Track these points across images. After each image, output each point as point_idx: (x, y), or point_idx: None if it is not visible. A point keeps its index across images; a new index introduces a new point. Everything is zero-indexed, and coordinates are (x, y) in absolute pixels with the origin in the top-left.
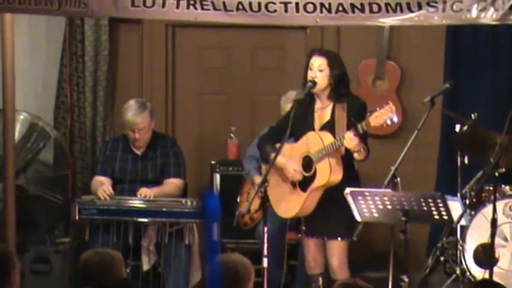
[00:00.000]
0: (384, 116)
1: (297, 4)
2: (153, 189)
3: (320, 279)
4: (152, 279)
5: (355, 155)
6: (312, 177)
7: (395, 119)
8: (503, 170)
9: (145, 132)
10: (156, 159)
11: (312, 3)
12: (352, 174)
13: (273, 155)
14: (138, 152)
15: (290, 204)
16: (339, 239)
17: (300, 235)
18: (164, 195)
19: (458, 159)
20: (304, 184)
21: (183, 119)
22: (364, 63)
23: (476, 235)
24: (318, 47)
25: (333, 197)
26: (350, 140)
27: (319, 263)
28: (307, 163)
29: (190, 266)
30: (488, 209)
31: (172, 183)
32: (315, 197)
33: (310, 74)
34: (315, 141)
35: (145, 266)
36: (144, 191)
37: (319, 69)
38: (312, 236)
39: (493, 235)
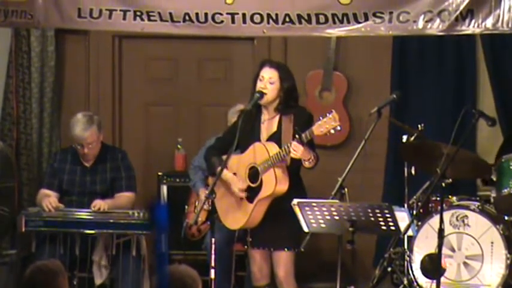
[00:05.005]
0: (327, 124)
1: (244, 15)
2: (106, 201)
3: None
4: None
5: (305, 164)
6: (259, 188)
7: (339, 128)
8: (450, 180)
9: (93, 147)
10: (106, 172)
11: (259, 14)
12: (298, 184)
13: (219, 168)
14: (87, 164)
15: (237, 216)
16: (286, 249)
17: (246, 247)
18: (117, 207)
19: (405, 169)
20: (250, 195)
21: (130, 130)
22: (311, 74)
23: (423, 245)
24: (265, 58)
25: (279, 207)
26: (296, 150)
27: (264, 274)
28: (254, 174)
29: (141, 277)
30: (435, 219)
31: (125, 197)
32: (261, 208)
33: (260, 85)
34: (261, 151)
35: (98, 281)
36: (98, 203)
37: (269, 82)
38: (258, 247)
39: (440, 245)
